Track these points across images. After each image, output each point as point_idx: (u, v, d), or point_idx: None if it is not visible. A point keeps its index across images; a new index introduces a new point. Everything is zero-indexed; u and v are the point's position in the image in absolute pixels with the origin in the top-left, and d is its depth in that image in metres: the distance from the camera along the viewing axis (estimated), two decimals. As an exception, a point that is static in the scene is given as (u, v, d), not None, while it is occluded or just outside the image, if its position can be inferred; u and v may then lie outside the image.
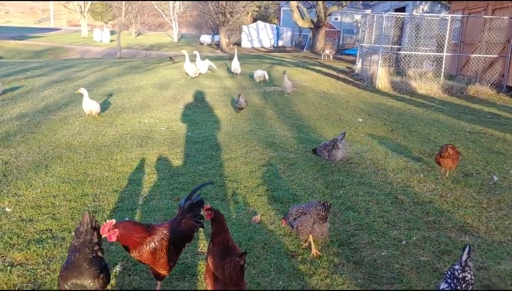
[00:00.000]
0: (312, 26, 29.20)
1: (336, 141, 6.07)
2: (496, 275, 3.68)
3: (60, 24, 77.07)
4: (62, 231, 4.13)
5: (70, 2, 55.54)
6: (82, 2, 53.58)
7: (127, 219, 4.37)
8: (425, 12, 20.60)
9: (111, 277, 3.14)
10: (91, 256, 2.81)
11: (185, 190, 5.16)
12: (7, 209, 4.52)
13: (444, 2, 20.21)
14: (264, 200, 5.05)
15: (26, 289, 3.27)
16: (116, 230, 2.89)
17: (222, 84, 13.69)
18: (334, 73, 17.61)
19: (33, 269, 3.49)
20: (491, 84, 14.37)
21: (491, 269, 3.76)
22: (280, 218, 4.43)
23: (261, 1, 49.28)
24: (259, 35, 41.89)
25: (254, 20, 47.91)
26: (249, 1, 40.24)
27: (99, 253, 2.88)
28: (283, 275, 3.57)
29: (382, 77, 14.76)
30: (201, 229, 3.62)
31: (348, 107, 11.22)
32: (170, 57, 20.41)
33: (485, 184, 5.84)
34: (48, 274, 3.43)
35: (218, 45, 39.94)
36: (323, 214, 3.87)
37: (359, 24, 30.20)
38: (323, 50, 24.77)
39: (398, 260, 3.87)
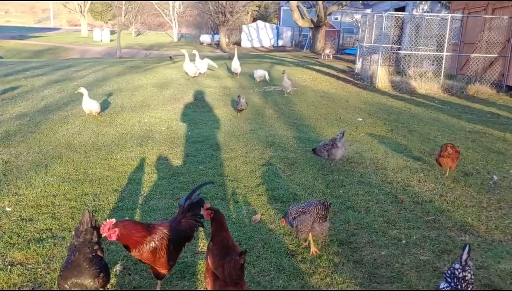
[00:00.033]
0: (312, 26, 29.18)
1: (335, 141, 6.07)
2: (496, 274, 3.68)
3: (60, 24, 77.03)
4: (62, 230, 4.13)
5: (70, 1, 55.50)
6: (82, 1, 53.55)
7: (127, 218, 4.37)
8: (425, 12, 20.58)
9: (111, 276, 3.14)
10: (91, 255, 2.81)
11: (185, 189, 5.16)
12: (7, 208, 4.52)
13: (444, 2, 20.20)
14: (264, 199, 5.05)
15: (26, 288, 3.27)
16: (116, 229, 2.89)
17: (222, 84, 13.69)
18: (334, 72, 17.61)
19: (33, 268, 3.50)
20: (491, 84, 14.37)
21: (491, 268, 3.76)
22: (280, 217, 4.43)
23: (261, 1, 49.25)
24: (259, 34, 41.86)
25: (254, 20, 47.86)
26: (249, 1, 40.22)
27: (99, 252, 2.89)
28: (283, 274, 3.57)
29: (382, 77, 14.75)
30: (201, 228, 3.62)
31: (348, 106, 11.21)
32: (170, 57, 20.41)
33: (485, 183, 5.84)
34: (48, 273, 3.43)
35: (218, 44, 39.93)
36: (323, 213, 3.87)
37: (359, 24, 30.20)
38: (323, 50, 24.75)
39: (398, 259, 3.87)
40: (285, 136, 7.92)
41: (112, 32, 45.77)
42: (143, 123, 8.43)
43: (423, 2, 21.59)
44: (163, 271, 3.14)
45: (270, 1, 48.95)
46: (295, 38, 41.14)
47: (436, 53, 15.22)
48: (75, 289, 2.74)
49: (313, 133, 8.37)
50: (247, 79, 14.75)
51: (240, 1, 37.25)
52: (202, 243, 4.00)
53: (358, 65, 17.85)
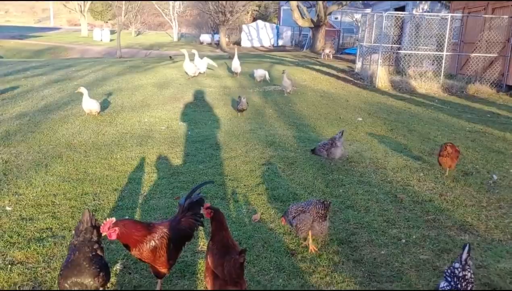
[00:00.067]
0: (312, 26, 29.17)
1: (335, 140, 6.08)
2: (495, 273, 3.68)
3: (60, 23, 77.02)
4: (62, 229, 4.14)
5: (70, 1, 55.48)
6: (82, 1, 53.54)
7: (127, 217, 4.38)
8: (425, 11, 20.58)
9: (111, 275, 3.14)
10: (91, 255, 2.81)
11: (185, 189, 5.17)
12: (8, 208, 4.53)
13: (444, 2, 20.20)
14: (264, 199, 5.05)
15: (26, 287, 3.28)
16: (116, 228, 2.89)
17: (222, 84, 13.69)
18: (334, 72, 17.61)
19: (33, 268, 3.50)
20: (491, 84, 14.37)
21: (491, 268, 3.76)
22: (280, 216, 4.43)
23: (261, 1, 49.23)
24: (259, 34, 41.86)
25: (254, 20, 47.84)
26: (249, 1, 40.21)
27: (99, 252, 2.89)
28: (283, 274, 3.58)
29: (382, 77, 14.75)
30: (201, 228, 3.62)
31: (348, 106, 11.22)
32: (170, 57, 20.41)
33: (485, 183, 5.85)
34: (48, 273, 3.44)
35: (218, 44, 39.92)
36: (323, 212, 3.87)
37: (359, 24, 30.19)
38: (323, 50, 24.73)
39: (398, 259, 3.87)
40: (285, 136, 7.92)
41: (112, 32, 45.77)
42: (143, 123, 8.43)
43: (423, 2, 21.59)
44: (163, 270, 3.14)
45: (270, 1, 48.93)
46: (295, 38, 41.12)
47: (436, 52, 15.23)
48: (75, 288, 2.74)
49: (313, 133, 8.38)
50: (247, 79, 14.75)
51: (240, 1, 37.24)
52: (202, 242, 4.01)
53: (358, 65, 17.84)
